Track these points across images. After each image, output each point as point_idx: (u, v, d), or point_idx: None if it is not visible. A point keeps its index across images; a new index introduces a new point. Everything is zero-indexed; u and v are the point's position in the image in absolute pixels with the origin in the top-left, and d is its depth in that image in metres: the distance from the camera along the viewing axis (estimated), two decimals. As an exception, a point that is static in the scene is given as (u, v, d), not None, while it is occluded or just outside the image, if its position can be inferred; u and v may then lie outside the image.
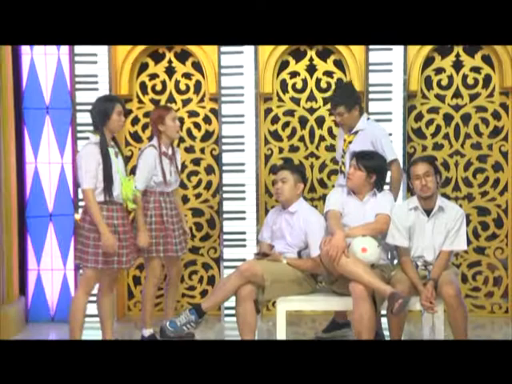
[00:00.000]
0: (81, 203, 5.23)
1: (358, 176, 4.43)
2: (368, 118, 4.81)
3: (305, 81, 5.68)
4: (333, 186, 5.32)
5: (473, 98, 5.57)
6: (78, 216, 4.76)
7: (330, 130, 5.68)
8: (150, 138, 5.64)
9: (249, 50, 5.44)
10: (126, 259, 4.38)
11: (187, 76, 5.73)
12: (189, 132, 5.74)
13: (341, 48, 5.51)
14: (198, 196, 5.75)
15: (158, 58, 5.72)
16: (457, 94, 5.59)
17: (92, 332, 4.72)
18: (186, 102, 5.72)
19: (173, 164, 4.87)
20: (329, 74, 5.66)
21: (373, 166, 4.43)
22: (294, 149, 5.72)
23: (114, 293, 4.66)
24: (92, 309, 4.62)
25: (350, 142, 4.74)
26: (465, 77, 5.57)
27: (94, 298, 4.55)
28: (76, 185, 5.35)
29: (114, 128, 4.40)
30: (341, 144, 4.87)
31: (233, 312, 4.55)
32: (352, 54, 5.49)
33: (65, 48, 5.47)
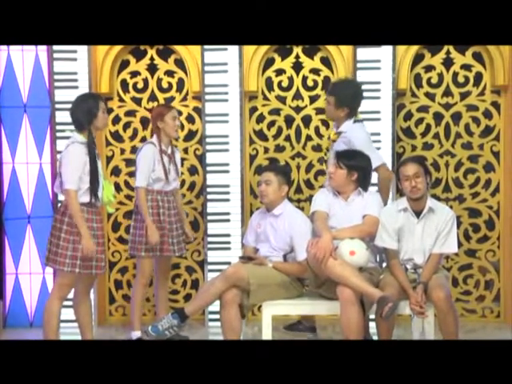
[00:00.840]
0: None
1: (339, 174, 4.36)
2: (355, 121, 4.64)
3: (291, 79, 5.58)
4: (320, 187, 5.22)
5: (463, 96, 5.49)
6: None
7: (316, 130, 5.57)
8: (132, 138, 5.56)
9: (233, 47, 5.33)
10: (103, 264, 4.30)
11: (170, 74, 5.62)
12: (171, 131, 5.60)
13: (328, 45, 5.39)
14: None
15: (139, 55, 5.60)
16: (447, 93, 5.50)
17: (71, 338, 4.61)
18: (168, 101, 5.59)
19: (172, 162, 4.84)
20: (315, 71, 5.56)
21: (353, 163, 4.36)
22: (279, 149, 5.62)
23: (90, 297, 4.52)
24: (70, 314, 4.52)
25: (333, 141, 4.67)
26: (455, 75, 5.48)
27: (71, 303, 4.44)
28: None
29: (100, 126, 4.33)
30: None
31: (217, 316, 4.51)
32: (339, 51, 5.39)
33: (43, 44, 5.35)
